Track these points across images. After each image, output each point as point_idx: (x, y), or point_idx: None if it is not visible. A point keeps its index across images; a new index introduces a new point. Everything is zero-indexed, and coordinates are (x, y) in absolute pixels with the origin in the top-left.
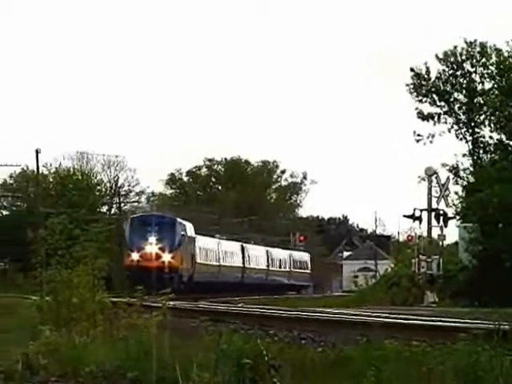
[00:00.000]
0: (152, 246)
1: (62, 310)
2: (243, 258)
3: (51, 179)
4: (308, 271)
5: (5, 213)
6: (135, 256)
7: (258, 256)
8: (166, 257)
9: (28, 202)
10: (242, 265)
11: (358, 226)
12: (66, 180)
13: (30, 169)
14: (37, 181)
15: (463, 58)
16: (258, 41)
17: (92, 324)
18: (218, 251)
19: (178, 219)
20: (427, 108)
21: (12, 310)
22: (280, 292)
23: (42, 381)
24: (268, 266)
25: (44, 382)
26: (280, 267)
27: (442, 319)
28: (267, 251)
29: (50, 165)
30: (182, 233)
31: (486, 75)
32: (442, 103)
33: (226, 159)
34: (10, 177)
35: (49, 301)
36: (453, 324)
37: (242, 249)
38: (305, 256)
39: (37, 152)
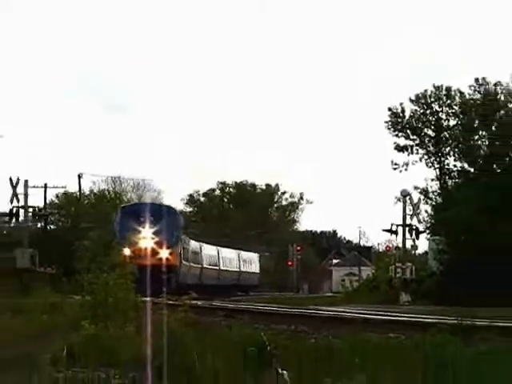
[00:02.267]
0: (147, 241)
1: (100, 308)
2: (218, 260)
3: (90, 199)
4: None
5: (52, 227)
6: (126, 252)
7: (230, 258)
8: (164, 253)
9: (71, 218)
10: (217, 267)
11: (345, 239)
12: (102, 199)
13: (73, 190)
14: (78, 200)
15: (432, 99)
16: (259, 71)
17: (125, 320)
18: (200, 253)
19: (177, 210)
20: (402, 141)
21: (58, 308)
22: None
23: (82, 366)
24: (239, 267)
25: (84, 367)
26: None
27: (413, 316)
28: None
29: (90, 187)
30: (181, 225)
31: (450, 114)
32: (415, 137)
33: (236, 182)
34: (56, 196)
35: (89, 300)
36: (422, 320)
37: (218, 252)
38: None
39: (79, 176)
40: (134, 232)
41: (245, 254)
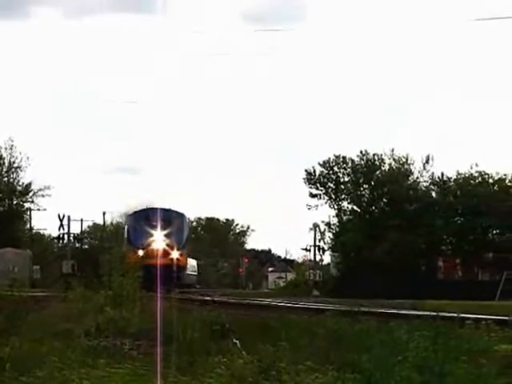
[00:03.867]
0: (158, 243)
1: (117, 298)
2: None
3: (110, 228)
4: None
5: (86, 247)
6: (140, 253)
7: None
8: (175, 254)
9: (98, 240)
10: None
11: (276, 254)
12: (118, 228)
13: (99, 222)
14: (103, 229)
15: (333, 164)
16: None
17: (133, 306)
18: None
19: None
20: (314, 191)
21: (89, 299)
22: None
23: (104, 337)
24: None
25: (106, 336)
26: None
27: (320, 304)
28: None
29: (111, 220)
30: (188, 228)
31: (345, 173)
32: (322, 188)
33: (207, 217)
34: (88, 227)
35: (109, 294)
36: (323, 307)
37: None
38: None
39: (104, 213)
40: (145, 235)
41: (190, 260)
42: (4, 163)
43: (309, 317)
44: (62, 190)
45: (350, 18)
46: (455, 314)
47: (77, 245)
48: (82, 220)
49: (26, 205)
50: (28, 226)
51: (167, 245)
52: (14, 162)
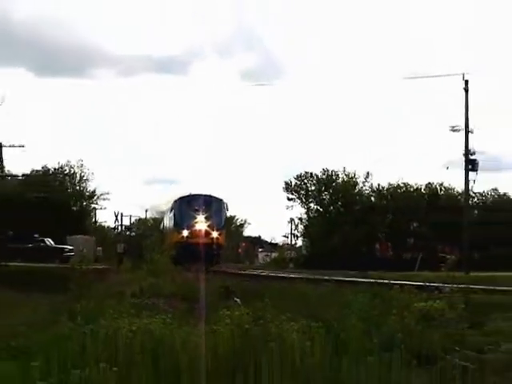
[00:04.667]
0: (201, 224)
1: (155, 271)
2: None
3: (150, 221)
4: None
5: (133, 234)
6: (185, 233)
7: None
8: (214, 234)
9: (142, 230)
10: None
11: (265, 239)
12: (156, 221)
13: (142, 217)
14: (145, 222)
15: (303, 177)
16: None
17: (166, 277)
18: None
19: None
20: (290, 196)
21: (135, 270)
22: None
23: (146, 297)
24: None
25: (147, 297)
26: None
27: (292, 275)
28: None
29: (150, 215)
30: (226, 212)
31: (312, 184)
32: (296, 194)
33: None
34: (134, 220)
35: (150, 267)
36: (296, 276)
37: None
38: None
39: (146, 210)
40: (189, 217)
41: None
42: (76, 177)
43: (286, 283)
44: (117, 194)
45: (313, 77)
46: (387, 281)
47: (127, 233)
48: (130, 216)
49: (92, 205)
50: (93, 220)
51: (208, 226)
52: (83, 176)
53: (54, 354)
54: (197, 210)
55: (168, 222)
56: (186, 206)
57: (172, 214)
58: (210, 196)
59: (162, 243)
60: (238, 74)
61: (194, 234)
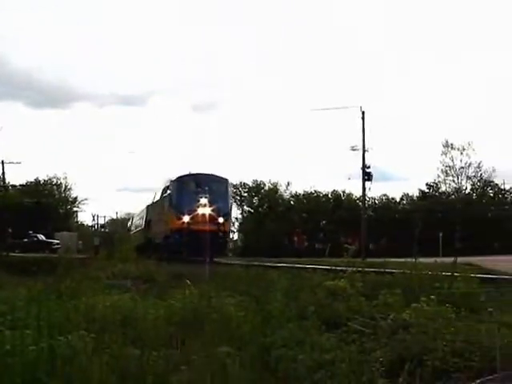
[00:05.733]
0: (205, 208)
1: (123, 259)
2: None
3: (121, 220)
4: None
5: (106, 230)
6: (186, 219)
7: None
8: (220, 219)
9: (115, 228)
10: None
11: None
12: (124, 220)
13: (114, 217)
14: (116, 222)
15: (238, 186)
16: None
17: (132, 264)
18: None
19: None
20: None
21: (107, 260)
22: None
23: (118, 279)
24: None
25: (117, 279)
26: None
27: (231, 261)
28: None
29: (120, 216)
30: (232, 195)
31: (245, 191)
32: (233, 199)
33: None
34: (108, 220)
35: (119, 256)
36: (233, 262)
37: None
38: None
39: (116, 212)
40: (191, 200)
41: None
42: (62, 186)
43: (227, 268)
44: (94, 200)
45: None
46: (303, 265)
47: (102, 230)
48: (104, 217)
49: (74, 209)
50: (76, 220)
51: (213, 210)
52: (67, 186)
53: (45, 324)
54: (199, 192)
55: (161, 205)
56: (187, 186)
57: (168, 197)
58: (213, 175)
59: (147, 231)
60: (188, 106)
61: (196, 219)
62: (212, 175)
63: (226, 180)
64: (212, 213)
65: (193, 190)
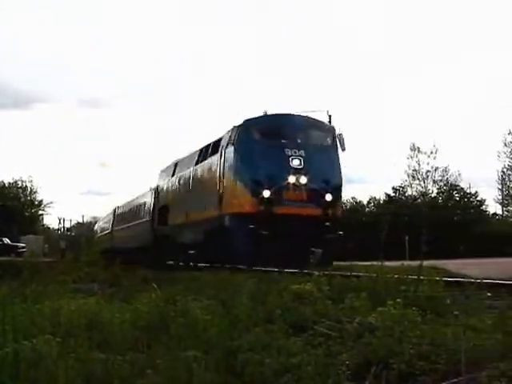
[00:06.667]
0: (301, 177)
1: (89, 263)
2: None
3: (87, 224)
4: None
5: (73, 234)
6: (266, 194)
7: None
8: (328, 197)
9: (81, 231)
10: None
11: None
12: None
13: (80, 221)
14: (82, 224)
15: None
16: None
17: (98, 267)
18: None
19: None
20: None
21: (74, 263)
22: None
23: (83, 283)
24: None
25: (83, 283)
26: None
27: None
28: None
29: (86, 220)
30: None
31: None
32: None
33: None
34: (74, 223)
35: (85, 260)
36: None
37: None
38: None
39: (82, 216)
40: (272, 161)
41: None
42: (27, 189)
43: (196, 273)
44: (59, 203)
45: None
46: (270, 269)
47: (68, 233)
48: (70, 220)
49: (40, 212)
50: (41, 223)
51: (314, 180)
52: (32, 189)
53: (9, 328)
54: (289, 147)
55: (206, 173)
56: (264, 137)
57: (224, 157)
58: (312, 118)
59: (159, 222)
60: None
61: (286, 196)
62: (309, 118)
63: (332, 127)
64: (313, 185)
65: (277, 143)
